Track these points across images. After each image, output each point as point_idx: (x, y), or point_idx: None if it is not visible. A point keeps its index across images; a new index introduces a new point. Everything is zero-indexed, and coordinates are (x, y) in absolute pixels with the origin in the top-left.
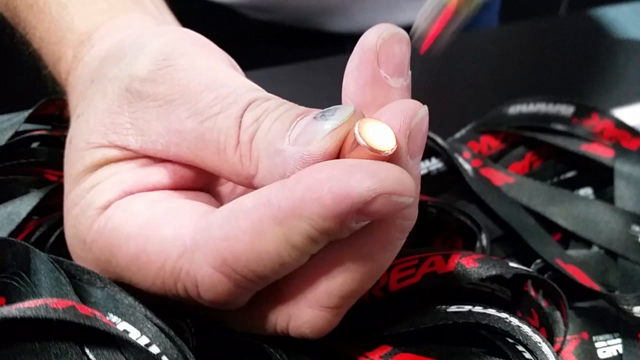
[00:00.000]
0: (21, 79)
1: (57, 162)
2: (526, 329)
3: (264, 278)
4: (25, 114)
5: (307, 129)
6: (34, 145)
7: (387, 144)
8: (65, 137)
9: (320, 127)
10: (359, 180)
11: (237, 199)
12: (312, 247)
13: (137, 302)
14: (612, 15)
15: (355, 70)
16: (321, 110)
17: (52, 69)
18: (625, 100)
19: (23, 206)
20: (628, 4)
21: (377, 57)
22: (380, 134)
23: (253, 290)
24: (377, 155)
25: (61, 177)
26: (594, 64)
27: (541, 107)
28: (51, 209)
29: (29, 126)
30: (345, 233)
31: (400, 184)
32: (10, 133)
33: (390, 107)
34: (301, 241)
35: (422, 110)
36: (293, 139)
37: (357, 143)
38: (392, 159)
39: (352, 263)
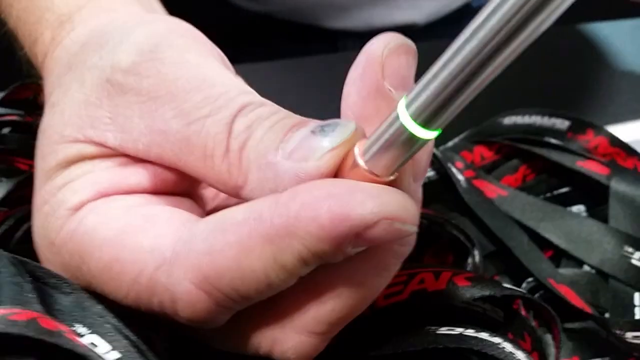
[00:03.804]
0: None
1: (28, 150)
2: (520, 355)
3: (247, 298)
4: None
5: (303, 143)
6: (5, 131)
7: None
8: (38, 124)
9: (319, 143)
10: (361, 201)
11: (225, 210)
12: (301, 269)
13: (107, 312)
14: (607, 31)
15: (359, 80)
16: (319, 123)
17: (28, 51)
18: (620, 118)
19: None
20: (624, 20)
21: (383, 68)
22: None
23: (234, 310)
24: (378, 180)
25: (32, 166)
26: (589, 81)
27: (536, 120)
28: (19, 200)
29: (0, 110)
30: (339, 257)
31: (404, 209)
32: None
33: None
34: (291, 262)
35: None
36: (288, 153)
37: (357, 164)
38: (393, 183)
39: (344, 288)
